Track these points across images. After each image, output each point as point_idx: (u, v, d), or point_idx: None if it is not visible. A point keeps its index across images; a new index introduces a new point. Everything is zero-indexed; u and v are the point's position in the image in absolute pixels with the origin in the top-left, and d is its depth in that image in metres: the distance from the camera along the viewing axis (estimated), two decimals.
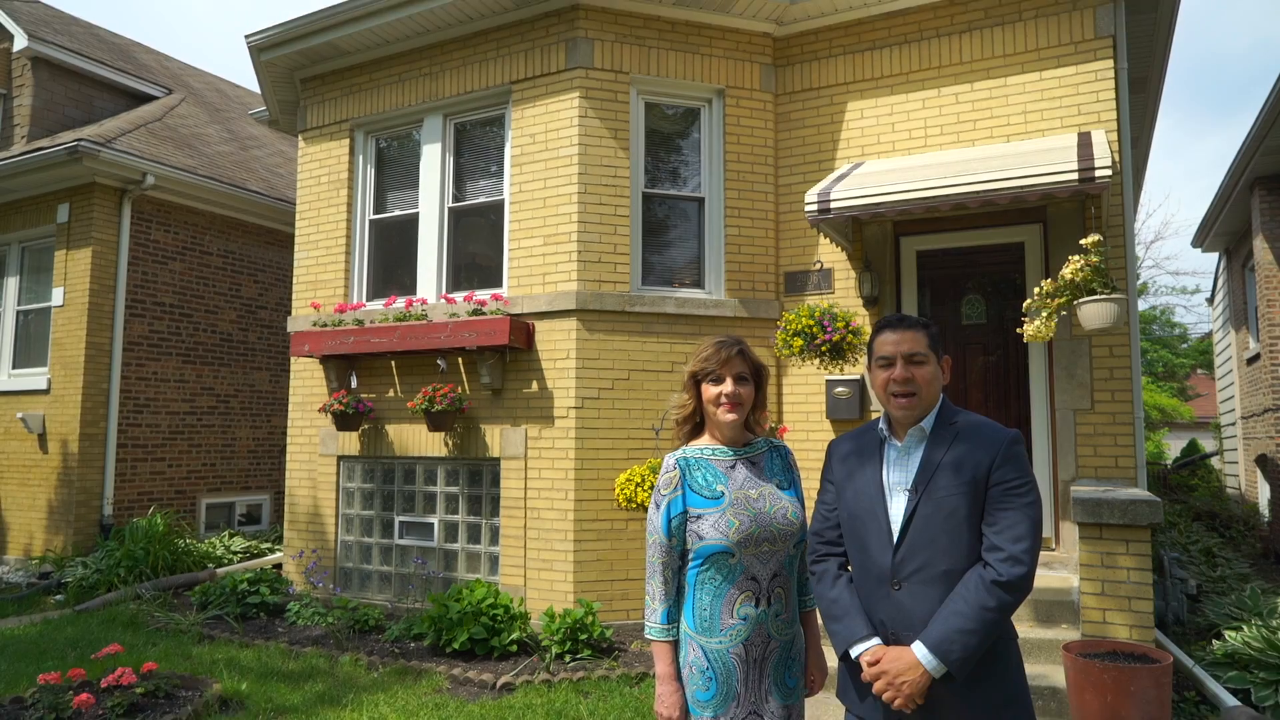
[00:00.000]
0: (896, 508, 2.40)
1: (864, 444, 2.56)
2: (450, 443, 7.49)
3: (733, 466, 2.58)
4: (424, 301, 7.67)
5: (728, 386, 2.54)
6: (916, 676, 2.23)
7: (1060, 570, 6.15)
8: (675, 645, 2.53)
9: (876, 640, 2.35)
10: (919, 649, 2.24)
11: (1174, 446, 21.99)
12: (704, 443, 2.64)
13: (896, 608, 2.34)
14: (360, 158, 8.47)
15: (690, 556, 2.52)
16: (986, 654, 2.26)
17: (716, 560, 2.46)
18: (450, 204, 7.89)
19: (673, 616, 2.53)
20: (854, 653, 2.37)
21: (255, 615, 7.34)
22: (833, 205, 6.13)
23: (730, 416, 2.55)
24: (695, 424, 2.69)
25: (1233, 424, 14.05)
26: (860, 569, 2.47)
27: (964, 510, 2.30)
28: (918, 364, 2.42)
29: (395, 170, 8.47)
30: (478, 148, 8.02)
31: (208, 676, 5.60)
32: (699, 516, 2.48)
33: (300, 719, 5.03)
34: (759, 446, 2.66)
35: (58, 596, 8.33)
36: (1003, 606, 2.21)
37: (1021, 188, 5.57)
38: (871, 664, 2.31)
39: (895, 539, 2.36)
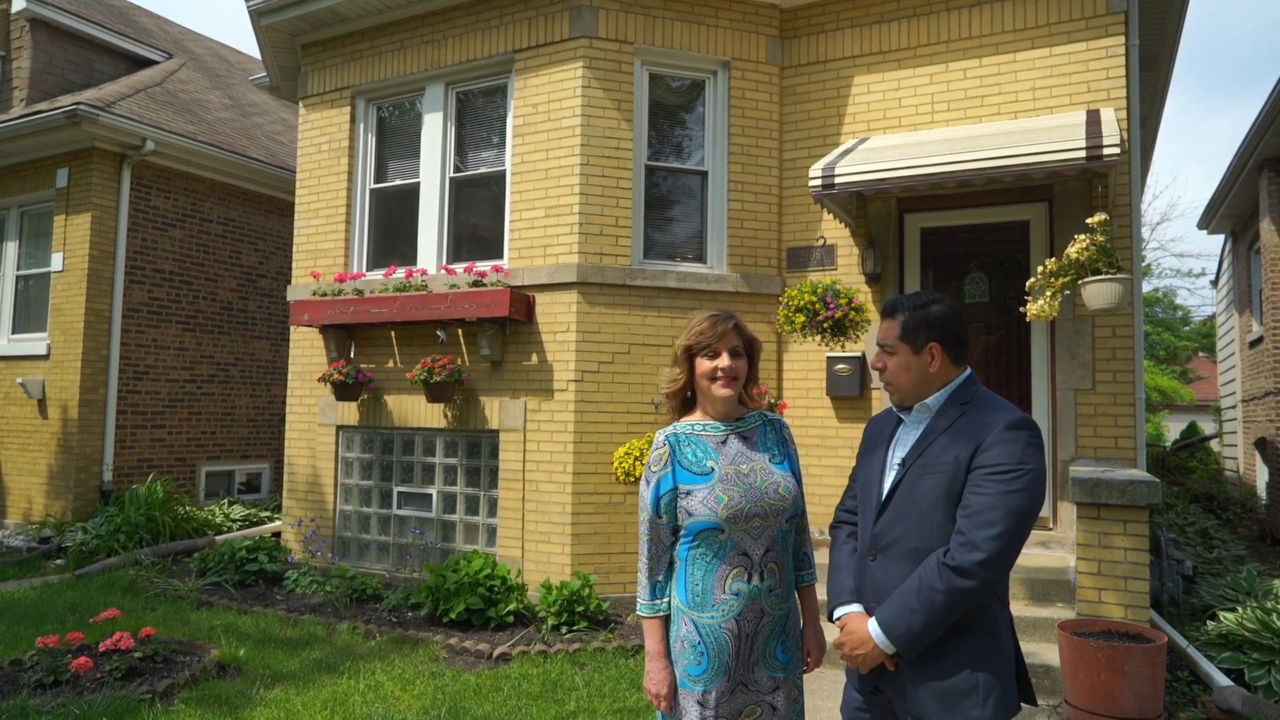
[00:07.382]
0: (888, 482, 2.43)
1: (885, 420, 2.59)
2: (449, 414, 7.48)
3: (724, 441, 2.54)
4: (424, 272, 7.63)
5: (724, 361, 2.49)
6: (869, 650, 2.30)
7: (1057, 549, 6.18)
8: (665, 621, 2.52)
9: (855, 606, 2.41)
10: (872, 623, 2.29)
11: (1174, 428, 22.05)
12: (695, 418, 2.60)
13: (871, 579, 2.40)
14: (361, 126, 8.39)
15: (681, 533, 2.49)
16: (946, 639, 2.22)
17: (706, 536, 2.44)
18: (451, 174, 7.83)
19: (661, 592, 2.52)
20: (834, 615, 2.47)
21: (254, 583, 7.40)
22: (837, 181, 6.07)
23: (726, 391, 2.51)
24: (686, 399, 2.64)
25: (1233, 407, 14.05)
26: (859, 540, 2.53)
27: (939, 490, 2.27)
28: (888, 353, 2.45)
29: (396, 139, 8.39)
30: (480, 117, 7.94)
31: (206, 642, 5.63)
32: (688, 493, 2.45)
33: (298, 686, 5.06)
34: (752, 420, 2.62)
35: (58, 561, 8.37)
36: (951, 590, 2.15)
37: (1028, 165, 5.51)
38: (841, 629, 2.41)
39: (878, 512, 2.40)
